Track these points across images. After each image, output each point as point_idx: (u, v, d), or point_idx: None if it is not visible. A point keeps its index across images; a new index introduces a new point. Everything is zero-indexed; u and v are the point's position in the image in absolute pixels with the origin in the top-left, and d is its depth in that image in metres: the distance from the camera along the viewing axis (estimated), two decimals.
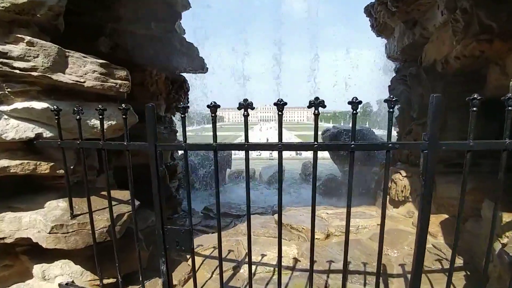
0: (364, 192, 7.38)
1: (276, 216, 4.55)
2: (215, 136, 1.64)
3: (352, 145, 1.51)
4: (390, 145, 1.52)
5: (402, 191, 4.08)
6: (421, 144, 1.51)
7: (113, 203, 2.51)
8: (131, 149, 1.82)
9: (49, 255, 2.24)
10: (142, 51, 4.62)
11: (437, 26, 3.57)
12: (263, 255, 3.34)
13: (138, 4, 4.38)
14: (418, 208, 4.17)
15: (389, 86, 5.77)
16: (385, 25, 4.93)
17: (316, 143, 1.53)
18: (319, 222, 4.18)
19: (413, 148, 1.47)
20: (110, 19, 4.20)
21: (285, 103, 1.53)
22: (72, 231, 2.08)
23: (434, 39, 3.78)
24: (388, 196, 4.02)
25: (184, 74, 5.92)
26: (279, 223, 1.74)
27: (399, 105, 4.61)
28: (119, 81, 2.39)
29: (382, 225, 1.64)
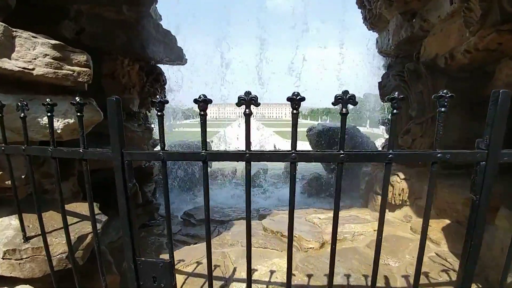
0: (353, 193, 7.23)
1: (264, 222, 4.18)
2: (204, 142, 1.20)
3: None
4: (439, 155, 1.16)
5: (399, 195, 3.85)
6: (478, 154, 1.17)
7: (75, 220, 2.01)
8: (90, 158, 1.34)
9: (9, 281, 1.80)
10: (112, 37, 4.01)
11: (442, 17, 3.31)
12: (253, 270, 2.95)
13: None
14: (416, 212, 3.98)
15: (379, 82, 5.55)
16: (379, 17, 4.66)
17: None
18: (311, 229, 3.87)
19: (467, 158, 1.08)
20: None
21: (303, 98, 1.13)
22: (26, 258, 1.69)
23: (437, 31, 3.53)
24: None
25: (162, 66, 5.34)
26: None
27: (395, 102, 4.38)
28: (77, 68, 1.87)
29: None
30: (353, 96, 1.12)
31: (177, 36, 5.78)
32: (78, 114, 1.27)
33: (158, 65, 5.11)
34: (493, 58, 2.84)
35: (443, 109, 1.14)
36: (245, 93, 1.15)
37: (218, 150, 1.19)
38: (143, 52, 4.33)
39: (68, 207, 2.06)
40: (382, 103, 5.86)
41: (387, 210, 4.18)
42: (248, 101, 1.14)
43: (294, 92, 1.12)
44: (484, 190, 1.20)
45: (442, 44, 3.40)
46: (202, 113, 1.17)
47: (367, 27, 5.23)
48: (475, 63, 2.99)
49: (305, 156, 1.18)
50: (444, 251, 3.17)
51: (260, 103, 1.17)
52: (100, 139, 1.99)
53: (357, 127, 8.37)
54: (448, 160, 1.19)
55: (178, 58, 5.28)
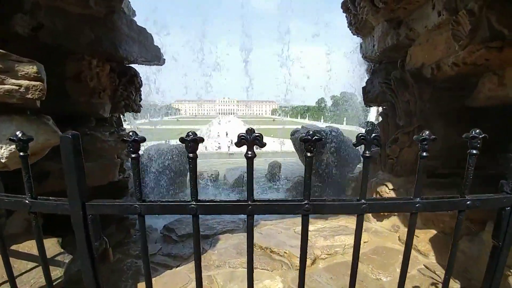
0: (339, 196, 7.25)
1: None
2: (194, 192, 0.95)
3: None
4: (468, 202, 1.01)
5: None
6: (505, 199, 1.03)
7: (31, 265, 1.67)
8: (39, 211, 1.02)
9: None
10: (77, 34, 3.55)
11: (429, 27, 3.26)
12: None
13: None
14: (403, 222, 3.96)
15: (363, 88, 5.54)
16: (364, 23, 4.58)
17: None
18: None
19: (495, 204, 0.92)
20: None
21: (319, 139, 0.92)
22: None
23: (423, 41, 3.49)
24: None
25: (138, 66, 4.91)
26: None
27: (382, 108, 4.34)
28: (24, 82, 1.51)
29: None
30: (378, 136, 0.92)
31: (159, 36, 5.36)
32: (22, 154, 0.95)
33: (133, 65, 4.67)
34: (478, 72, 2.83)
35: (474, 152, 0.98)
36: (247, 130, 0.91)
37: (212, 200, 0.94)
38: (115, 52, 3.89)
39: (20, 247, 1.71)
40: (366, 106, 5.84)
41: (374, 220, 4.14)
42: (250, 141, 0.90)
43: (309, 131, 0.90)
44: (507, 236, 1.08)
45: (429, 54, 3.36)
46: (191, 155, 0.91)
47: (351, 32, 5.15)
48: (460, 75, 2.96)
49: (320, 207, 0.96)
50: (433, 263, 3.15)
51: (265, 143, 0.94)
52: None
53: (335, 125, 8.37)
54: (478, 207, 1.04)
55: (155, 58, 4.87)
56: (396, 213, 3.87)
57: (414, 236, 1.08)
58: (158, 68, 5.88)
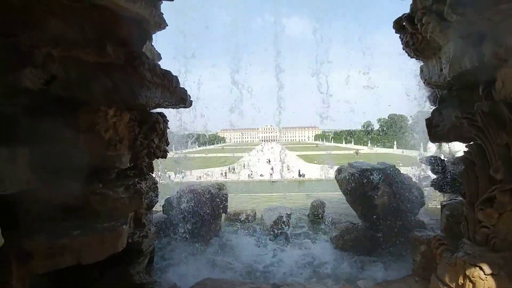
0: (395, 255, 5.82)
1: None
2: None
3: None
4: None
5: None
6: None
7: None
8: None
9: None
10: (93, 84, 3.31)
11: None
12: None
13: (87, 20, 3.14)
14: None
15: (428, 120, 4.40)
16: (427, 43, 3.64)
17: None
18: None
19: None
20: (45, 41, 2.94)
21: None
22: None
23: None
24: None
25: None
26: None
27: (464, 151, 3.20)
28: None
29: None
30: None
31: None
32: None
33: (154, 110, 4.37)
34: None
35: None
36: None
37: None
38: (133, 99, 3.57)
39: None
40: (433, 143, 4.65)
41: None
42: None
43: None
44: None
45: None
46: None
47: (408, 54, 4.21)
48: None
49: None
50: None
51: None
52: None
53: (385, 149, 6.99)
54: None
55: (181, 101, 4.51)
56: None
57: None
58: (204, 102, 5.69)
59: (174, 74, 4.26)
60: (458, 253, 2.96)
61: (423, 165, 7.59)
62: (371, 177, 6.23)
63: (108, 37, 3.35)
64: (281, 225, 7.98)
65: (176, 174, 8.22)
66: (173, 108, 4.65)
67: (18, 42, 2.85)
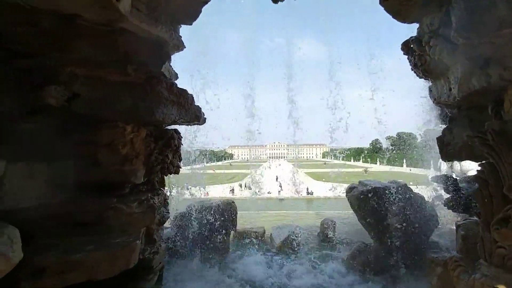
0: (409, 276, 5.62)
1: None
2: None
3: None
4: None
5: None
6: None
7: None
8: None
9: None
10: (113, 102, 3.50)
11: None
12: None
13: (109, 42, 3.37)
14: None
15: (440, 139, 4.42)
16: (435, 64, 3.73)
17: None
18: None
19: None
20: (69, 61, 3.16)
21: None
22: None
23: None
24: None
25: None
26: None
27: (477, 171, 3.18)
28: None
29: None
30: None
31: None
32: None
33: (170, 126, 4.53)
34: None
35: None
36: None
37: None
38: (150, 117, 3.75)
39: None
40: (444, 161, 4.64)
41: None
42: None
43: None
44: None
45: None
46: None
47: (417, 75, 4.30)
48: None
49: None
50: None
51: None
52: None
53: (395, 168, 6.91)
54: None
55: (195, 118, 4.68)
56: None
57: None
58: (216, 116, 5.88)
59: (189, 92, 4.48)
60: (475, 274, 2.88)
61: (434, 183, 7.45)
62: (383, 195, 6.14)
63: (129, 58, 3.57)
64: (291, 244, 7.84)
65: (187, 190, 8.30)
66: (188, 124, 4.82)
67: (44, 61, 3.07)
